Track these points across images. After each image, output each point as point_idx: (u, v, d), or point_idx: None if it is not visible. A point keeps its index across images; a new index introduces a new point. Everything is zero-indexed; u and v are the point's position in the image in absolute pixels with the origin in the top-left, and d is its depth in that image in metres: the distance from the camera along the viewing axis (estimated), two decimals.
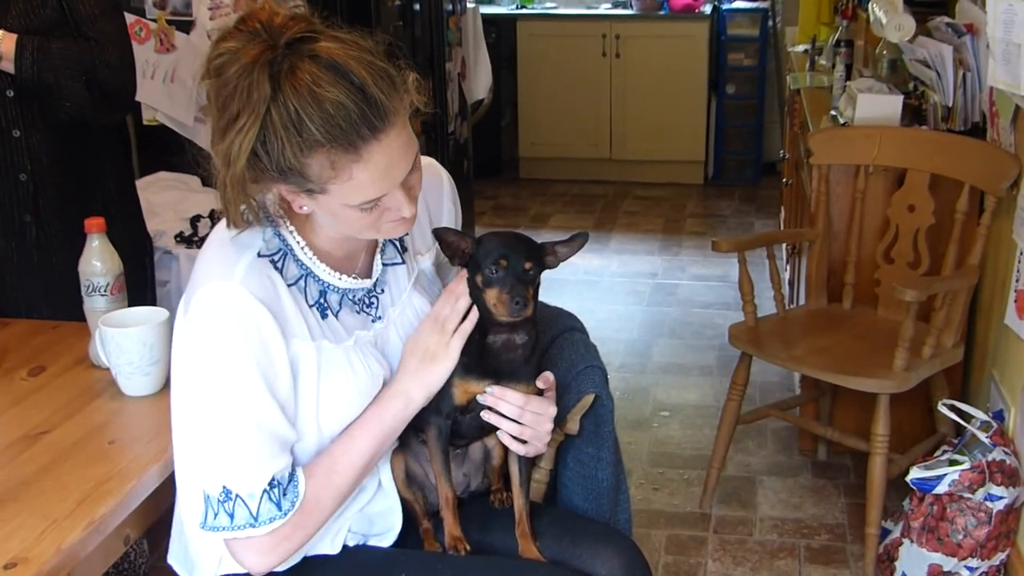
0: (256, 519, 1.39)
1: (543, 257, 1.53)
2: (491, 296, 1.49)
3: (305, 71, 1.28)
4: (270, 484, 1.39)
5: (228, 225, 1.40)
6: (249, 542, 1.41)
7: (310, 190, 1.35)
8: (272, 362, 1.39)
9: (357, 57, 1.31)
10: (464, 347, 1.52)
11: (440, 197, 1.67)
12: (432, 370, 1.50)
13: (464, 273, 1.54)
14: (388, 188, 1.37)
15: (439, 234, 1.53)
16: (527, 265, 1.50)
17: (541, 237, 1.55)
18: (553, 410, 1.57)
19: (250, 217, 1.40)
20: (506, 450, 1.62)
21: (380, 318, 1.55)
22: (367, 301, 1.54)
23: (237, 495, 1.38)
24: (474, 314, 1.51)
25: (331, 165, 1.31)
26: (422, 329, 1.53)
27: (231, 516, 1.38)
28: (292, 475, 1.42)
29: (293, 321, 1.42)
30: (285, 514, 1.40)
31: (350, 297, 1.52)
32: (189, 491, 1.44)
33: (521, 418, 1.54)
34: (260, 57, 1.29)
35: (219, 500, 1.38)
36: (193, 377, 1.39)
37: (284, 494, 1.40)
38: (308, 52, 1.30)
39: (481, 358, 1.53)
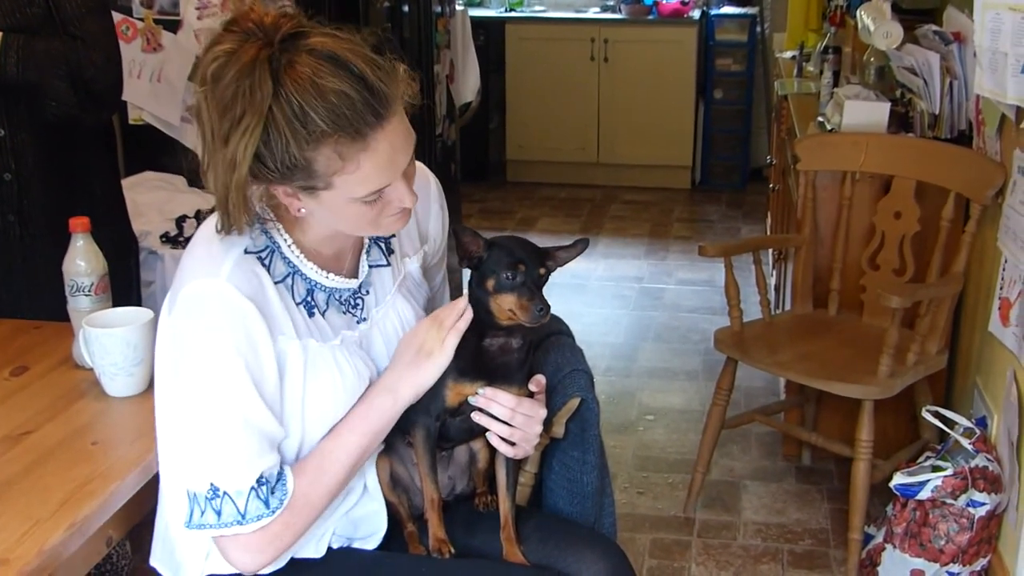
0: (244, 516, 1.38)
1: (547, 262, 1.53)
2: (507, 301, 1.48)
3: (304, 64, 1.28)
4: (258, 481, 1.38)
5: (228, 230, 1.38)
6: (237, 539, 1.40)
7: (313, 187, 1.34)
8: (259, 359, 1.38)
9: (352, 49, 1.32)
10: (459, 350, 1.52)
11: (428, 200, 1.67)
12: (425, 366, 1.49)
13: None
14: (392, 177, 1.37)
15: (456, 231, 1.53)
16: (541, 271, 1.50)
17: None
18: (543, 412, 1.57)
19: (248, 220, 1.39)
20: (492, 453, 1.62)
21: (365, 319, 1.55)
22: (352, 302, 1.54)
23: (225, 492, 1.37)
24: (468, 313, 1.51)
25: (339, 156, 1.31)
26: (419, 327, 1.53)
27: (218, 513, 1.38)
28: (280, 473, 1.42)
29: (280, 318, 1.42)
30: (273, 512, 1.40)
31: (336, 297, 1.51)
32: (174, 490, 1.43)
33: (512, 420, 1.54)
34: (258, 55, 1.28)
35: (206, 497, 1.38)
36: (179, 375, 1.39)
37: (272, 492, 1.40)
38: (304, 47, 1.30)
39: (476, 361, 1.53)
